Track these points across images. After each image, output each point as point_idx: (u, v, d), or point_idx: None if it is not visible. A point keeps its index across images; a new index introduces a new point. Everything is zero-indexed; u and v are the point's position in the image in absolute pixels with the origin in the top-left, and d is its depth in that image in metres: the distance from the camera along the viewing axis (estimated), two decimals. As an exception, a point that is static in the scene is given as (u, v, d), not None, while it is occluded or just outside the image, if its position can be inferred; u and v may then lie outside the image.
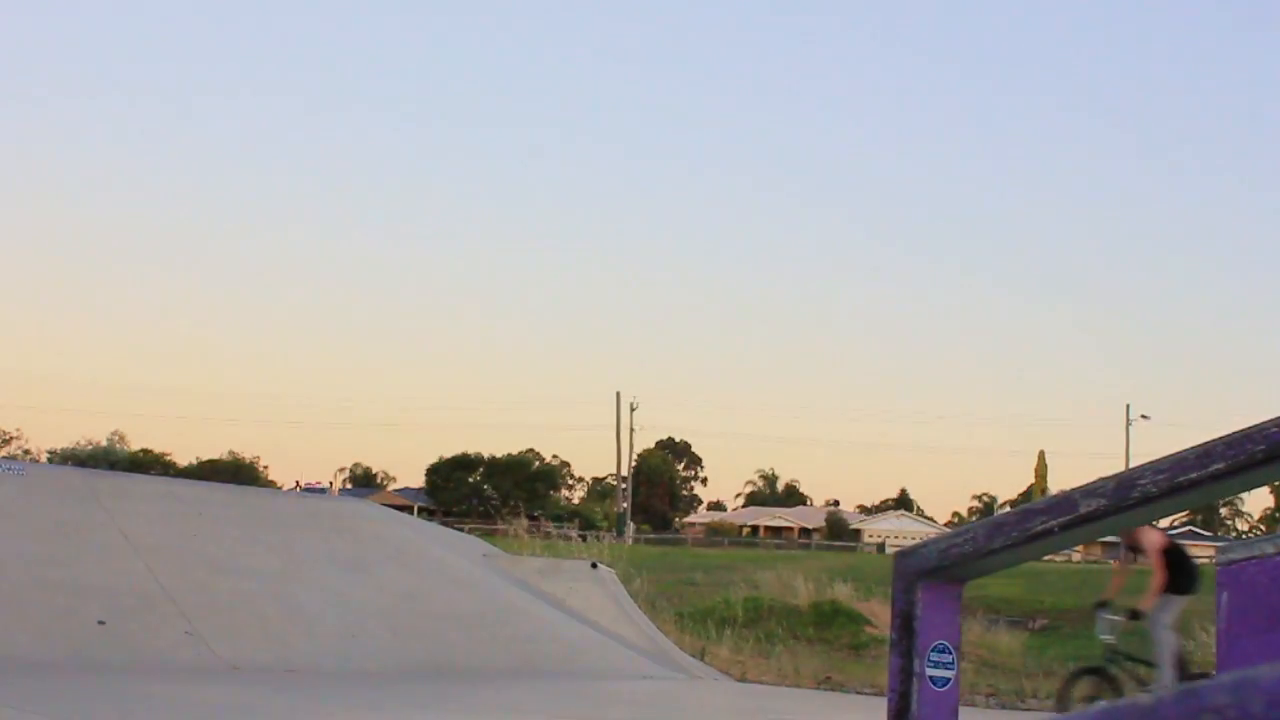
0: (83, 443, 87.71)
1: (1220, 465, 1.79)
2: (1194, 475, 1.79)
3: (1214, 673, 12.62)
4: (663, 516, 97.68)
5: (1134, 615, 11.54)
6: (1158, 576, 11.25)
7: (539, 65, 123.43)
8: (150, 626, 8.38)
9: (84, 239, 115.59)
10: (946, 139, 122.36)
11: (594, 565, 13.16)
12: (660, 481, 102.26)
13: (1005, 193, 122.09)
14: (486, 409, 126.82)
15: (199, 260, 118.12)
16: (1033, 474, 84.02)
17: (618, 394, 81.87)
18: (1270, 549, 4.12)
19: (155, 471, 65.12)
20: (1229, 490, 1.89)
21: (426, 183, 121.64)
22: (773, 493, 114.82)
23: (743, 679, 12.82)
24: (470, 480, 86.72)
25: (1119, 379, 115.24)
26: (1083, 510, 1.87)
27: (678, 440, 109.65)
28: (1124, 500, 1.84)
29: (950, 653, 2.05)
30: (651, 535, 76.05)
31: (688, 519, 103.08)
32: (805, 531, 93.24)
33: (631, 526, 74.70)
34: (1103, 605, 11.74)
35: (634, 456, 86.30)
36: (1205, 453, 1.80)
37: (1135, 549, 11.82)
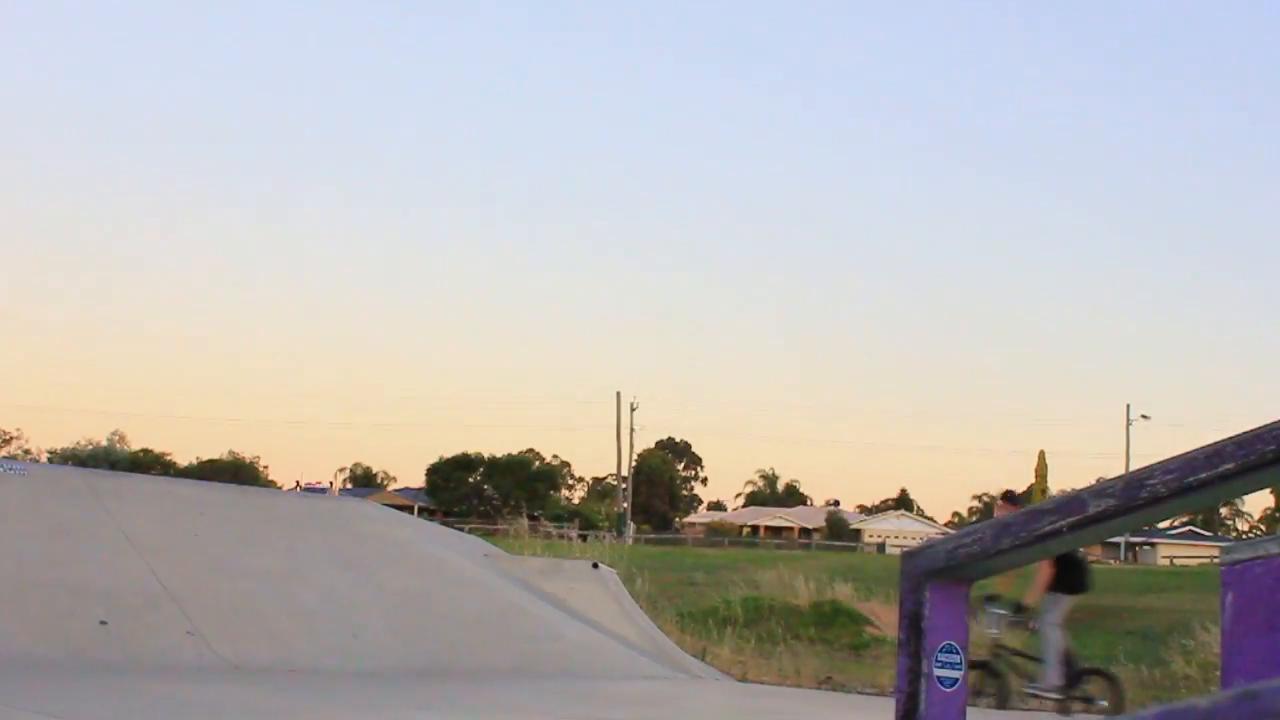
0: (83, 443, 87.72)
1: (1230, 465, 1.78)
2: (1203, 475, 1.78)
3: (1088, 664, 12.52)
4: (663, 516, 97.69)
5: (1019, 610, 11.53)
6: (1045, 572, 11.17)
7: (538, 61, 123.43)
8: (152, 626, 8.37)
9: (84, 239, 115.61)
10: (945, 138, 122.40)
11: (595, 565, 13.16)
12: (660, 481, 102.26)
13: (1005, 192, 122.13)
14: (486, 409, 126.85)
15: (199, 260, 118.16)
16: (1033, 474, 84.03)
17: (618, 394, 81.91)
18: (1275, 549, 4.11)
19: (155, 471, 65.14)
20: (1239, 490, 1.88)
21: (426, 182, 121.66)
22: (773, 493, 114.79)
23: (744, 679, 12.82)
24: (470, 480, 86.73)
25: (1119, 379, 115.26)
26: (1091, 510, 1.86)
27: (678, 440, 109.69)
28: (1133, 500, 1.84)
29: (958, 653, 2.05)
30: (652, 535, 76.07)
31: (688, 519, 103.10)
32: (805, 531, 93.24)
33: (632, 526, 74.70)
34: (991, 599, 11.71)
35: (634, 456, 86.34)
36: (1215, 453, 1.80)
37: None
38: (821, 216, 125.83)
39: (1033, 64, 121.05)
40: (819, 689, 13.23)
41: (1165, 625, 26.22)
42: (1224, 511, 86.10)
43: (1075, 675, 11.43)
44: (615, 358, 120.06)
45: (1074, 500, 1.89)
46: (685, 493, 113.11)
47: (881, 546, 79.27)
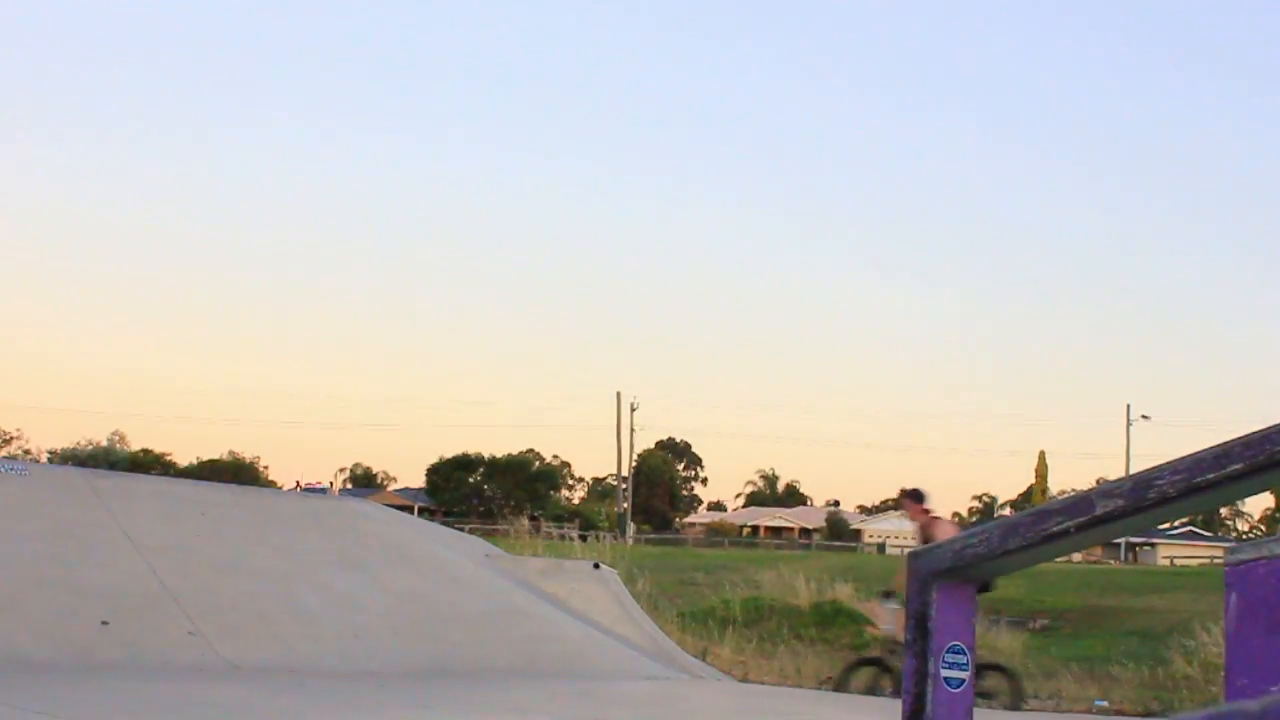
0: (83, 443, 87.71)
1: (1238, 466, 1.78)
2: (1211, 476, 1.78)
3: (987, 660, 12.45)
4: (663, 517, 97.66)
5: None
6: None
7: (538, 63, 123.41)
8: (153, 626, 8.37)
9: (84, 239, 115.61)
10: (946, 138, 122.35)
11: (596, 566, 13.16)
12: (660, 481, 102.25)
13: (1006, 192, 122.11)
14: (487, 409, 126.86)
15: (199, 260, 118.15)
16: (1033, 474, 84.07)
17: (618, 394, 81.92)
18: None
19: (155, 471, 65.14)
20: (1247, 491, 1.88)
21: (426, 182, 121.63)
22: (773, 493, 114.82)
23: (744, 679, 12.82)
24: (470, 480, 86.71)
25: (1119, 379, 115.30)
26: (1099, 511, 1.86)
27: (678, 440, 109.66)
28: (1141, 501, 1.83)
29: (965, 654, 2.05)
30: (652, 535, 76.04)
31: (688, 519, 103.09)
32: (805, 531, 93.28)
33: (632, 527, 74.70)
34: (888, 595, 11.70)
35: (634, 457, 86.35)
36: (1223, 453, 1.79)
37: (925, 536, 11.72)
38: (820, 216, 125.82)
39: (1033, 64, 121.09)
40: (819, 689, 13.23)
41: (1166, 625, 26.22)
42: (1224, 512, 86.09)
43: (977, 672, 11.43)
44: (615, 358, 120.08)
45: (1081, 501, 1.89)
46: (685, 493, 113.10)
47: (882, 547, 79.27)
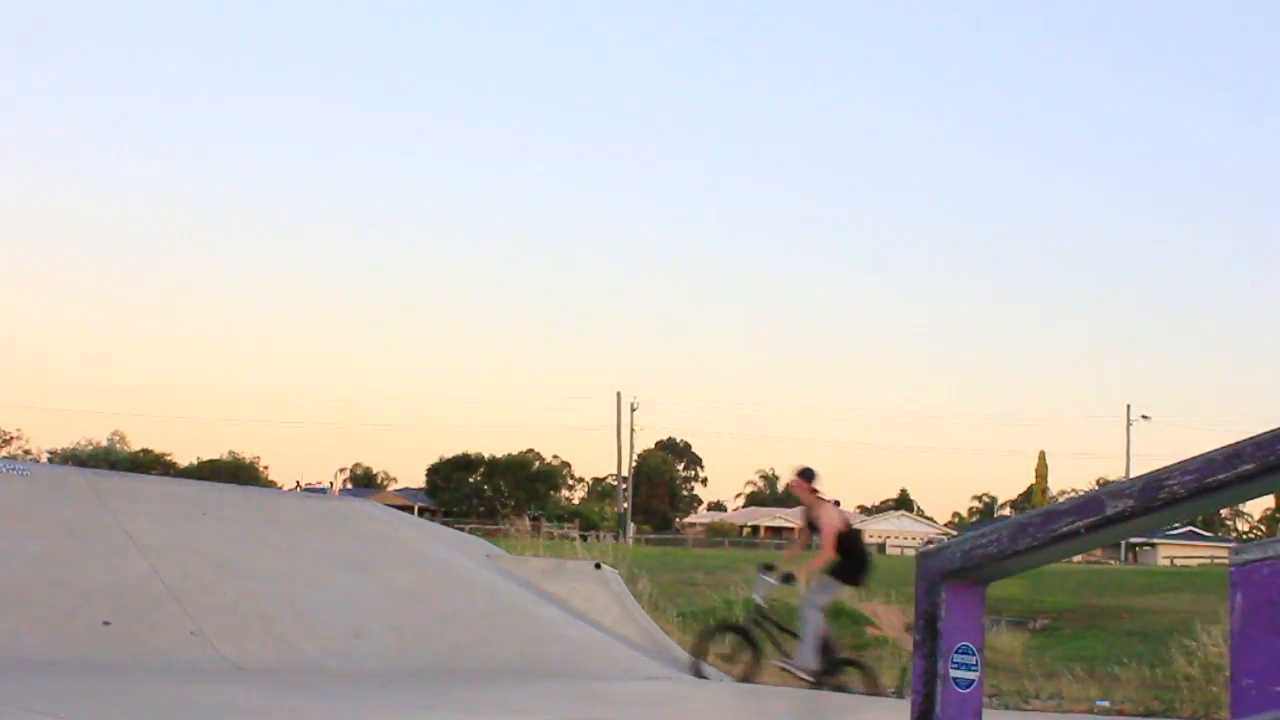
0: (83, 443, 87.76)
1: (1249, 466, 1.78)
2: (1222, 476, 1.77)
3: (847, 654, 12.33)
4: (663, 517, 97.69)
5: (788, 579, 11.47)
6: (826, 553, 11.11)
7: (538, 62, 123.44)
8: (155, 627, 8.37)
9: (84, 239, 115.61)
10: (948, 138, 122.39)
11: (598, 566, 13.16)
12: (660, 481, 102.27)
13: (1007, 192, 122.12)
14: (486, 409, 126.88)
15: (199, 260, 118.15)
16: (1033, 474, 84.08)
17: (618, 394, 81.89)
18: (1285, 549, 4.10)
19: (156, 471, 65.14)
20: (1258, 492, 1.87)
21: (426, 182, 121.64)
22: (773, 493, 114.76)
23: (745, 680, 12.81)
24: (470, 480, 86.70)
25: (1119, 379, 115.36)
26: (1109, 511, 1.86)
27: (678, 440, 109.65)
28: (1151, 501, 1.83)
29: (974, 654, 2.04)
30: (652, 535, 76.07)
31: (688, 519, 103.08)
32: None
33: (632, 527, 74.71)
34: (767, 568, 11.70)
35: (634, 457, 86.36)
36: (1234, 454, 1.79)
37: (813, 526, 11.68)
38: (820, 216, 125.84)
39: (1036, 63, 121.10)
40: (821, 689, 13.20)
41: (1166, 625, 26.23)
42: (1224, 512, 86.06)
43: (832, 663, 11.44)
44: (615, 358, 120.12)
45: (1091, 501, 1.89)
46: (685, 493, 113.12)
47: (882, 547, 79.26)
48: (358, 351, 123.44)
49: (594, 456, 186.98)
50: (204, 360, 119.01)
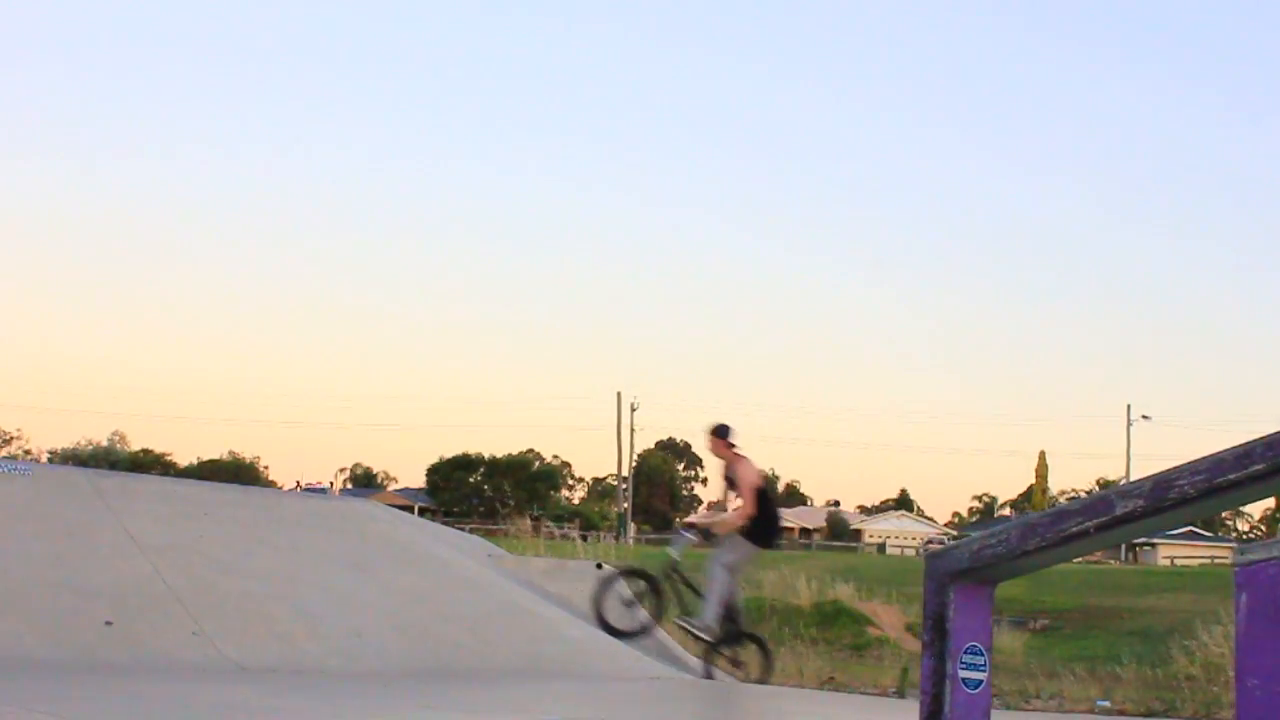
0: (83, 443, 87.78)
1: (1260, 466, 1.77)
2: (1232, 476, 1.77)
3: (750, 629, 12.21)
4: (663, 517, 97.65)
5: (706, 535, 11.44)
6: (745, 509, 10.99)
7: (538, 62, 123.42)
8: (157, 627, 8.36)
9: (84, 239, 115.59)
10: (948, 138, 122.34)
11: (599, 566, 13.15)
12: (660, 481, 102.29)
13: (1007, 193, 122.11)
14: (486, 409, 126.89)
15: (199, 260, 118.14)
16: (1033, 474, 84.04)
17: (618, 394, 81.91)
18: (1290, 549, 4.10)
19: (156, 471, 65.12)
20: (1269, 492, 1.87)
21: (427, 182, 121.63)
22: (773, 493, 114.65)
23: (746, 679, 12.81)
24: (470, 480, 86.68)
25: (1119, 379, 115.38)
26: (1119, 511, 1.85)
27: (678, 440, 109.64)
28: (1161, 501, 1.83)
29: (982, 654, 2.04)
30: (652, 535, 76.08)
31: (688, 519, 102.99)
32: (805, 531, 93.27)
33: (632, 526, 74.71)
34: (691, 526, 11.68)
35: (634, 456, 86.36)
36: (1244, 454, 1.78)
37: (731, 482, 11.60)
38: (820, 216, 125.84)
39: (1035, 63, 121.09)
40: (821, 689, 13.22)
41: (1167, 625, 26.24)
42: (1225, 511, 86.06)
43: (734, 633, 11.39)
44: (615, 358, 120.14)
45: (1101, 501, 1.88)
46: (685, 493, 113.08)
47: (882, 547, 79.28)
48: (358, 351, 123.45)
49: (594, 456, 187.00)
50: (204, 360, 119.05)
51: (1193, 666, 16.89)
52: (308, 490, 62.02)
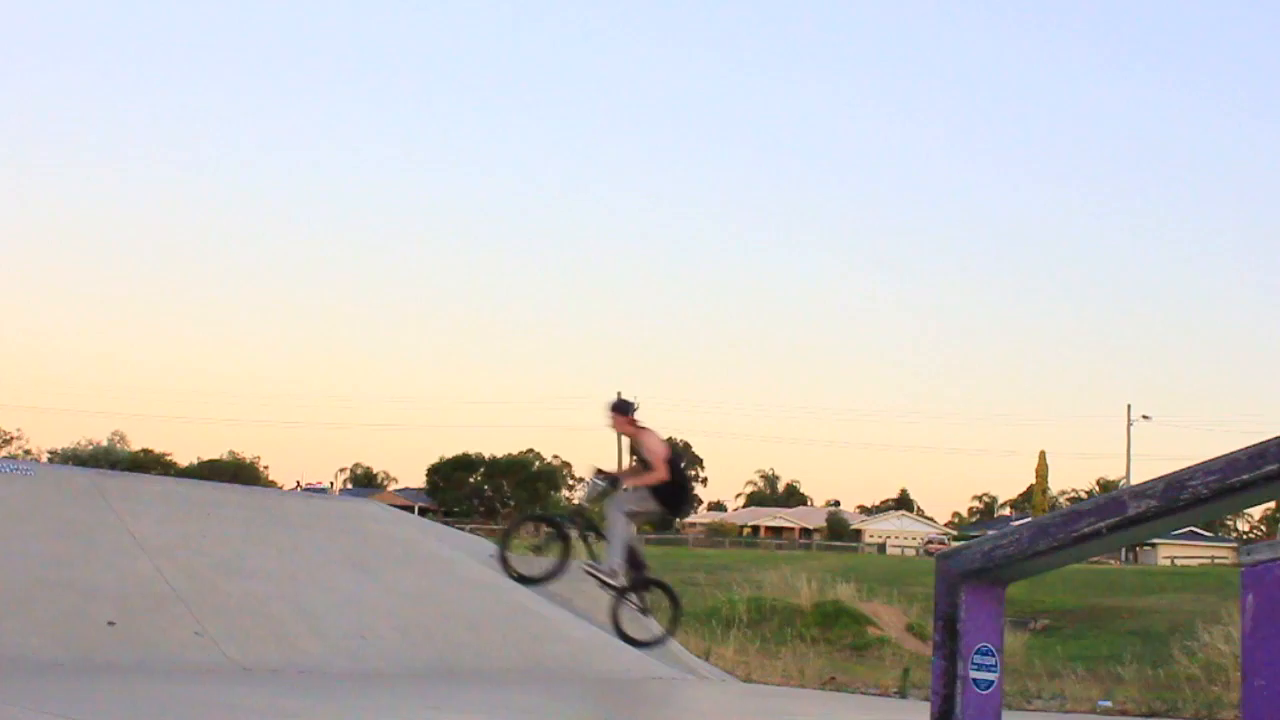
0: (83, 443, 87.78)
1: (1274, 467, 1.77)
2: (1246, 477, 1.77)
3: (655, 575, 12.11)
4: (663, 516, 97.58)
5: (614, 483, 11.43)
6: (658, 473, 11.08)
7: (538, 63, 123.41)
8: (160, 627, 8.36)
9: (84, 239, 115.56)
10: (948, 138, 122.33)
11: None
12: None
13: (1007, 192, 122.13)
14: (487, 409, 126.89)
15: (199, 260, 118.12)
16: (1033, 474, 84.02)
17: (618, 394, 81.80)
18: (1296, 549, 4.09)
19: (156, 471, 65.10)
20: (1282, 492, 1.87)
21: (427, 182, 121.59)
22: (773, 493, 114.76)
23: (748, 679, 12.81)
24: (471, 480, 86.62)
25: (1119, 379, 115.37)
26: (1131, 512, 1.85)
27: (678, 440, 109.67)
28: (1174, 502, 1.82)
29: (993, 655, 2.04)
30: (652, 535, 76.04)
31: (688, 519, 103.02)
32: (806, 532, 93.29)
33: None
34: (601, 474, 11.47)
35: (634, 457, 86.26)
36: (1259, 453, 1.78)
37: (637, 454, 11.60)
38: (821, 216, 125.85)
39: (1035, 63, 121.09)
40: (823, 689, 13.22)
41: (1167, 625, 26.24)
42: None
43: (640, 580, 11.41)
44: (615, 358, 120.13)
45: (1113, 501, 1.87)
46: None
47: (882, 547, 79.29)
48: (358, 351, 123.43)
49: (594, 457, 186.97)
50: (204, 360, 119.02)
51: (1194, 667, 16.86)
52: (308, 490, 62.02)
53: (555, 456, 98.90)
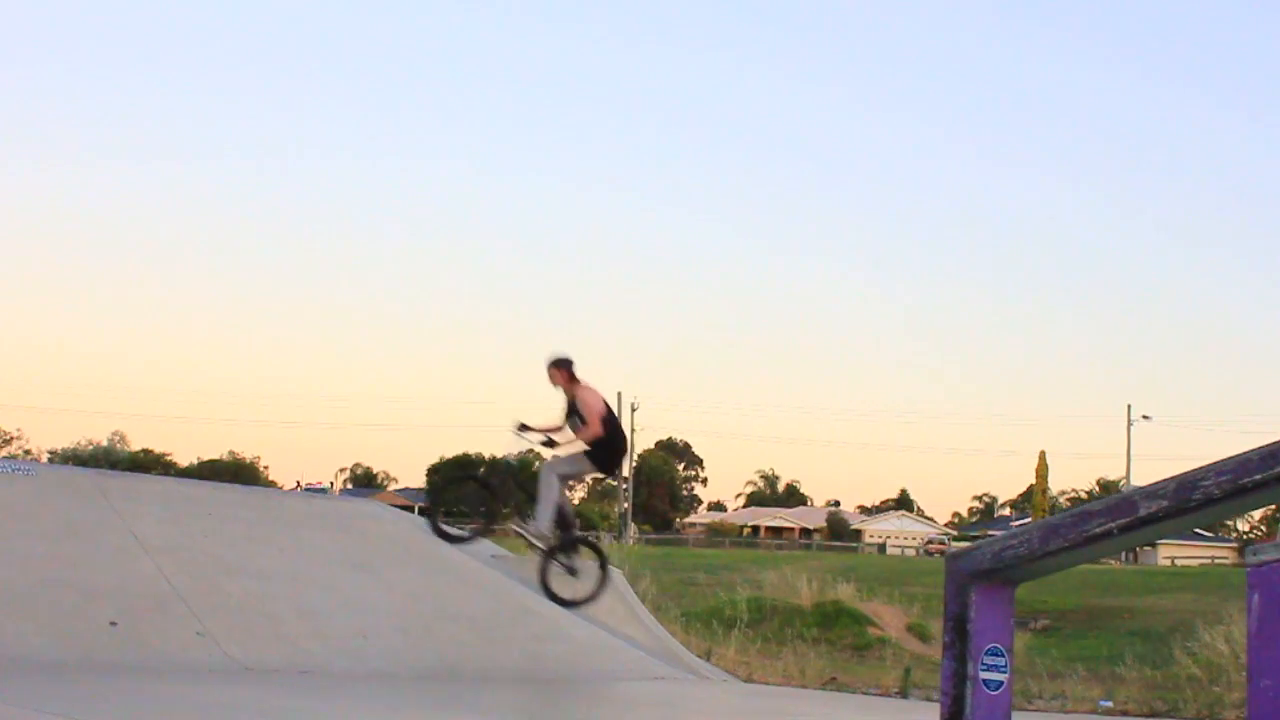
0: (83, 443, 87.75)
1: (1286, 467, 1.76)
2: (1258, 477, 1.76)
3: (584, 535, 11.81)
4: (663, 517, 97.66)
5: (548, 442, 11.29)
6: (592, 429, 10.91)
7: (539, 62, 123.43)
8: (161, 627, 8.35)
9: (85, 239, 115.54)
10: (945, 138, 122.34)
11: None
12: (660, 482, 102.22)
13: (1007, 192, 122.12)
14: (487, 409, 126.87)
15: (199, 261, 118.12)
16: (1033, 474, 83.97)
17: (618, 394, 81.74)
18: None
19: (156, 471, 65.07)
20: (1295, 493, 1.86)
21: (427, 182, 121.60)
22: (773, 493, 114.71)
23: (749, 680, 12.81)
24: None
25: (1119, 379, 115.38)
26: (1143, 512, 1.84)
27: (678, 440, 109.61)
28: (1186, 502, 1.81)
29: (1003, 655, 2.02)
30: (652, 535, 76.05)
31: (688, 519, 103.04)
32: (806, 532, 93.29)
33: (632, 527, 74.69)
34: (524, 427, 11.29)
35: (634, 457, 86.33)
36: (1271, 454, 1.77)
37: (574, 411, 11.25)
38: (820, 217, 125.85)
39: (1034, 64, 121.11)
40: (824, 689, 13.21)
41: (1167, 625, 26.21)
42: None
43: (569, 540, 11.33)
44: (615, 358, 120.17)
45: (1125, 502, 1.86)
46: (685, 493, 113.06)
47: (882, 547, 79.30)
48: (358, 351, 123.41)
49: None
50: (204, 360, 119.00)
51: (1195, 667, 16.83)
52: (308, 490, 62.03)
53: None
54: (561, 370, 11.33)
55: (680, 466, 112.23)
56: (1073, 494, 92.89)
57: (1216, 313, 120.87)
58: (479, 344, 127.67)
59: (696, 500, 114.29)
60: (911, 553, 72.63)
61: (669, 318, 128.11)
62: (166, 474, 58.19)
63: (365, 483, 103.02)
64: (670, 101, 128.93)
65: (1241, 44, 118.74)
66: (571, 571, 11.35)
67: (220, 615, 8.70)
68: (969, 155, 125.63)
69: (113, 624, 8.11)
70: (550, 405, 11.46)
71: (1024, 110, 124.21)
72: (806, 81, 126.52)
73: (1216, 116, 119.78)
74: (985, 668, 2.00)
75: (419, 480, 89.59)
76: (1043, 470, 79.61)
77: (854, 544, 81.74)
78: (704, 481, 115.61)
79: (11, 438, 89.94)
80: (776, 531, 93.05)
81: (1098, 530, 1.90)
